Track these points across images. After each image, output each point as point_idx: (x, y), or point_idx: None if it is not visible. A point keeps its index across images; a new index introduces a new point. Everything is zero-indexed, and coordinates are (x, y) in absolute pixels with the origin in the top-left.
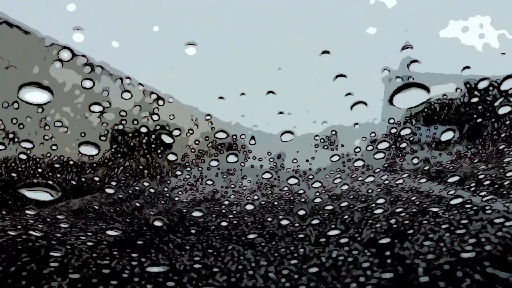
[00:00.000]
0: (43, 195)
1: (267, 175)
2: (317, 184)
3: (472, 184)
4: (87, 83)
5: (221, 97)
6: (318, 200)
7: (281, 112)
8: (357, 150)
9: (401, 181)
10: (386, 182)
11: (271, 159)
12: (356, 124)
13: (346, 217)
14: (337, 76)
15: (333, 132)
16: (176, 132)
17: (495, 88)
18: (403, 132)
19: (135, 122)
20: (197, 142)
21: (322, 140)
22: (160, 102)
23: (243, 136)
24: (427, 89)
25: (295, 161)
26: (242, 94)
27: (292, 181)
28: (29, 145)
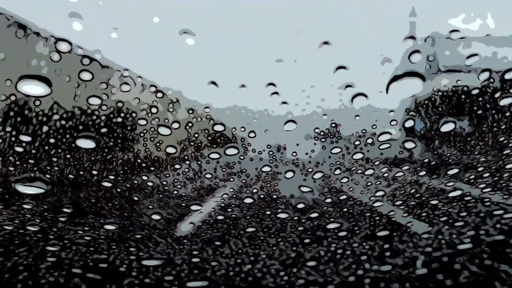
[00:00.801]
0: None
1: (266, 168)
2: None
3: None
4: (86, 75)
5: (213, 82)
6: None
7: (284, 102)
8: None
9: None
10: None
11: (271, 152)
12: (357, 115)
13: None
14: (338, 67)
15: (333, 125)
16: (175, 125)
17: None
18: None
19: (134, 114)
20: (196, 135)
21: (322, 133)
22: (159, 94)
23: (242, 129)
24: (422, 78)
25: (294, 154)
26: (243, 85)
27: (290, 174)
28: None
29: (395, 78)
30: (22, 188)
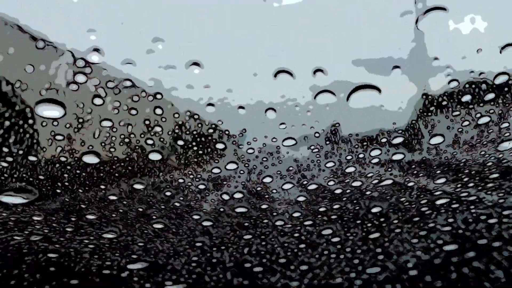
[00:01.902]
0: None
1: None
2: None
3: None
4: (97, 100)
5: (210, 104)
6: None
7: (282, 124)
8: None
9: None
10: None
11: (266, 166)
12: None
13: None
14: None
15: (327, 139)
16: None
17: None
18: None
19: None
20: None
21: (316, 149)
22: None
23: (241, 146)
24: (378, 90)
25: (291, 168)
26: (241, 107)
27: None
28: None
29: (355, 90)
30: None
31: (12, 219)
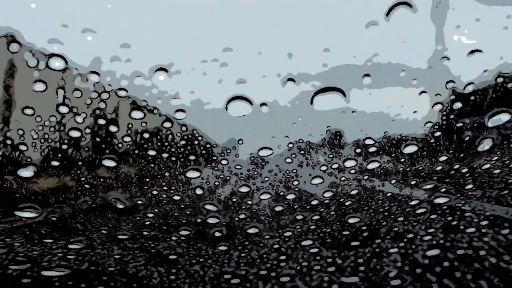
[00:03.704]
0: None
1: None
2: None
3: None
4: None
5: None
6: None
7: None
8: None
9: None
10: None
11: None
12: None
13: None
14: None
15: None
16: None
17: None
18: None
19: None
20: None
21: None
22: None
23: (222, 154)
24: (343, 93)
25: (266, 179)
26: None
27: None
28: None
29: (319, 92)
30: None
31: None
